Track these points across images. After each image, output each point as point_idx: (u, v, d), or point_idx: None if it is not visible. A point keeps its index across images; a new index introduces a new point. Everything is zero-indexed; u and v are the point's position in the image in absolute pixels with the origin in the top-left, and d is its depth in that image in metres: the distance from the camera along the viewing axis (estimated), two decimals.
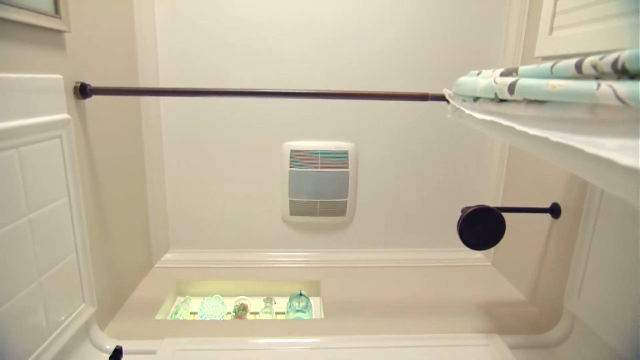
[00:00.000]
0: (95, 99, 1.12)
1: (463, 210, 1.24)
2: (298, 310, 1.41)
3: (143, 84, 1.46)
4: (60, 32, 0.98)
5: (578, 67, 0.50)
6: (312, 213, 1.68)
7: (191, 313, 1.46)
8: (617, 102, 0.42)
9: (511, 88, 0.63)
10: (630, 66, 0.42)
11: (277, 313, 1.47)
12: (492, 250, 1.71)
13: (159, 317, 1.34)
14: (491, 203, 1.69)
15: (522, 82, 0.61)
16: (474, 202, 1.70)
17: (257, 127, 1.62)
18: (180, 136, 1.62)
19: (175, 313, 1.41)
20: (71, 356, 1.02)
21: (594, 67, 0.47)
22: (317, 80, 1.57)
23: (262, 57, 1.54)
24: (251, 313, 1.47)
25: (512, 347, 1.17)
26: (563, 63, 0.53)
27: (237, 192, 1.69)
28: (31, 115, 0.87)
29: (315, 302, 1.51)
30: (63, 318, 0.98)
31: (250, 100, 1.58)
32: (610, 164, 0.42)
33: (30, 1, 0.86)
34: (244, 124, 1.61)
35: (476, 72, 0.87)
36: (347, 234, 1.77)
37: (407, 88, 1.59)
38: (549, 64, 0.56)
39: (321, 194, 1.64)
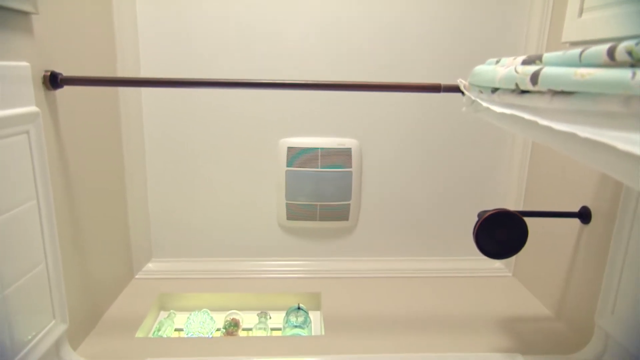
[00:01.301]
0: (67, 89, 1.12)
1: (480, 215, 1.24)
2: (296, 326, 1.41)
3: (122, 73, 1.45)
4: (26, 13, 0.97)
5: (611, 53, 0.49)
6: (312, 217, 1.68)
7: (176, 330, 1.46)
8: None
9: (534, 78, 0.62)
10: None
11: (272, 329, 1.46)
12: (513, 259, 1.71)
13: (139, 334, 1.33)
14: (512, 207, 1.68)
15: (547, 70, 0.60)
16: (492, 205, 1.69)
17: (250, 122, 1.62)
18: (164, 132, 1.62)
19: (158, 330, 1.41)
20: None
21: (629, 53, 0.46)
22: (316, 70, 1.57)
23: (255, 44, 1.54)
24: (243, 329, 1.47)
25: None
26: (593, 49, 0.52)
27: (228, 194, 1.69)
28: None
29: (315, 316, 1.51)
30: (30, 337, 0.98)
31: (243, 92, 1.58)
32: None
33: None
34: (236, 118, 1.61)
35: (495, 60, 0.87)
36: (351, 241, 1.76)
37: (418, 78, 1.59)
38: (577, 50, 0.56)
39: (321, 196, 1.64)
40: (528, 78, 0.64)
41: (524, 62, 0.71)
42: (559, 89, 0.58)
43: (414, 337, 1.31)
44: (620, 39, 0.49)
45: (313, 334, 1.43)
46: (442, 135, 1.67)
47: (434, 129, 1.66)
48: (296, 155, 1.62)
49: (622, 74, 0.46)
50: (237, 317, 1.48)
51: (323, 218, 1.68)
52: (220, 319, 1.48)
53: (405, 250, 1.78)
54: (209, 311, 1.49)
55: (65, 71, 1.09)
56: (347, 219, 1.70)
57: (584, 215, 1.29)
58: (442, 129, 1.67)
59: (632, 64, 0.47)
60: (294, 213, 1.68)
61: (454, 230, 1.76)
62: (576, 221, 1.33)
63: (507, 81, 0.72)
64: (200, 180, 1.67)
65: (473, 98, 0.92)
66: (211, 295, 1.56)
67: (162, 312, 1.55)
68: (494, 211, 1.22)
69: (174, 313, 1.51)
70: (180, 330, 1.45)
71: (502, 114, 0.76)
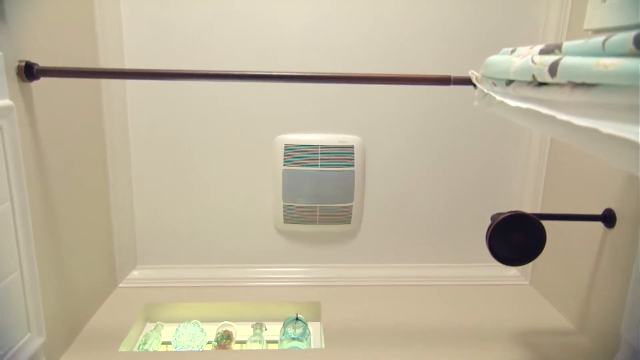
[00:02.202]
0: (44, 81, 1.11)
1: (494, 218, 1.23)
2: (294, 339, 1.41)
3: (104, 64, 1.45)
4: None
5: (637, 41, 0.49)
6: (311, 220, 1.68)
7: (163, 343, 1.46)
8: None
9: (553, 68, 0.62)
10: None
11: (268, 342, 1.46)
12: (529, 266, 1.70)
13: (123, 348, 1.33)
14: (528, 209, 1.68)
15: (567, 61, 0.60)
16: (506, 207, 1.68)
17: (244, 117, 1.62)
18: (151, 129, 1.61)
19: (144, 343, 1.41)
20: None
21: None
22: (316, 61, 1.57)
23: (250, 33, 1.54)
24: (237, 342, 1.47)
25: None
26: (618, 37, 0.52)
27: (220, 195, 1.69)
28: None
29: (314, 328, 1.51)
30: (2, 352, 0.97)
31: (236, 85, 1.58)
32: None
33: None
34: (229, 113, 1.61)
35: (510, 49, 0.87)
36: (353, 246, 1.76)
37: (425, 70, 1.58)
38: (600, 38, 0.55)
39: (322, 197, 1.64)
40: (546, 69, 0.64)
41: (542, 52, 0.71)
42: (579, 80, 0.57)
43: (422, 351, 1.30)
44: None
45: (312, 347, 1.43)
46: (452, 131, 1.67)
47: (443, 124, 1.66)
48: (294, 153, 1.61)
49: None
50: (230, 328, 1.48)
51: (323, 221, 1.68)
52: (211, 331, 1.48)
53: (412, 256, 1.78)
54: (199, 322, 1.49)
55: (42, 61, 1.09)
56: (349, 222, 1.70)
57: (608, 218, 1.29)
58: (452, 124, 1.66)
59: None
60: (292, 216, 1.68)
61: (465, 234, 1.76)
62: (599, 225, 1.32)
63: (523, 72, 0.72)
64: (190, 181, 1.67)
65: (486, 91, 0.92)
66: (202, 305, 1.56)
67: (148, 324, 1.54)
68: (508, 214, 1.22)
69: (161, 325, 1.50)
70: (168, 343, 1.45)
71: (518, 108, 0.76)
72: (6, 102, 0.97)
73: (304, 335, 1.42)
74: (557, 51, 0.66)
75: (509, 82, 0.80)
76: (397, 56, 1.58)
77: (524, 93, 0.74)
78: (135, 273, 1.71)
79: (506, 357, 1.28)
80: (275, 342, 1.46)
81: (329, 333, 1.39)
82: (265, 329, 1.49)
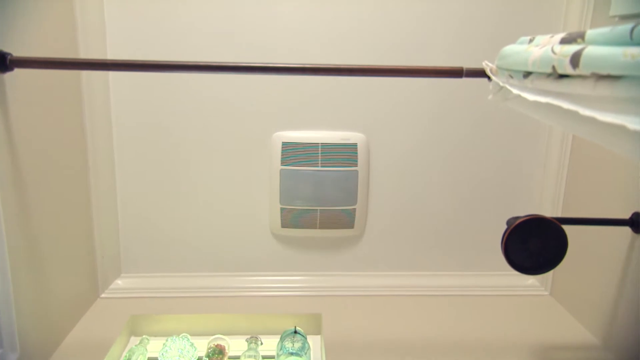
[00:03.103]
0: (19, 73, 1.11)
1: (510, 222, 1.23)
2: (292, 354, 1.39)
3: (85, 54, 1.44)
4: None
5: None
6: (311, 225, 1.68)
7: (149, 358, 1.45)
8: None
9: (575, 59, 0.62)
10: None
11: (264, 357, 1.45)
12: (549, 274, 1.70)
13: None
14: (548, 212, 1.67)
15: (591, 50, 0.59)
16: (524, 211, 1.68)
17: (238, 113, 1.62)
18: (137, 126, 1.61)
19: (128, 359, 1.40)
20: None
21: None
22: (316, 52, 1.57)
23: (245, 21, 1.54)
24: (230, 357, 1.46)
25: None
26: None
27: (212, 198, 1.69)
28: None
29: (314, 342, 1.51)
30: None
31: (230, 78, 1.57)
32: None
33: None
34: (222, 109, 1.61)
35: (528, 38, 0.86)
36: (357, 253, 1.76)
37: (435, 61, 1.58)
38: (627, 25, 0.55)
39: (322, 199, 1.64)
40: (567, 60, 0.63)
41: (563, 41, 0.70)
42: (604, 72, 0.57)
43: None
44: None
45: None
46: (464, 128, 1.67)
47: (455, 121, 1.66)
48: (292, 152, 1.61)
49: None
50: (222, 342, 1.47)
51: (324, 225, 1.68)
52: (202, 346, 1.47)
53: (421, 263, 1.78)
54: (188, 336, 1.48)
55: (16, 51, 1.08)
56: (352, 227, 1.70)
57: (636, 223, 1.28)
58: (464, 120, 1.66)
59: None
60: (290, 220, 1.68)
61: (478, 240, 1.76)
62: (626, 230, 1.31)
63: (543, 63, 0.71)
64: (179, 182, 1.67)
65: (501, 84, 0.91)
66: (192, 317, 1.56)
67: (132, 338, 1.54)
68: (526, 217, 1.21)
69: (147, 339, 1.50)
70: (155, 359, 1.45)
71: (536, 103, 0.75)
72: None
73: (303, 349, 1.42)
74: (579, 40, 0.66)
75: (527, 74, 0.79)
76: (404, 46, 1.58)
77: (543, 86, 0.74)
78: (119, 282, 1.70)
79: None
80: (271, 357, 1.45)
81: (331, 347, 1.39)
82: (261, 343, 1.48)
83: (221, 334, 1.52)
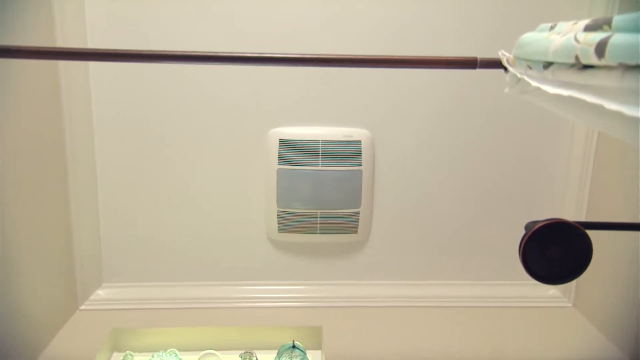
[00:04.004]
0: None
1: (529, 227, 1.22)
2: None
3: (63, 42, 1.44)
4: None
5: None
6: (311, 229, 1.68)
7: None
8: None
9: (600, 48, 0.61)
10: None
11: None
12: (572, 284, 1.70)
13: None
14: (571, 216, 1.67)
15: (618, 39, 0.59)
16: (544, 214, 1.67)
17: (232, 107, 1.62)
18: (120, 122, 1.61)
19: None
20: None
21: None
22: (316, 42, 1.57)
23: (239, 8, 1.53)
24: None
25: None
26: None
27: (203, 200, 1.69)
28: None
29: (314, 357, 1.49)
30: None
31: (223, 69, 1.56)
32: None
33: None
34: (213, 103, 1.61)
35: (548, 25, 0.86)
36: (361, 260, 1.77)
37: (447, 51, 1.58)
38: None
39: (323, 202, 1.65)
40: (592, 49, 0.63)
41: (587, 28, 0.69)
42: (633, 62, 0.56)
43: None
44: None
45: None
46: (479, 124, 1.67)
47: (468, 116, 1.66)
48: (290, 150, 1.62)
49: None
50: (214, 358, 1.47)
51: (325, 230, 1.68)
52: None
53: (430, 272, 1.78)
54: (177, 352, 1.48)
55: None
56: (355, 232, 1.71)
57: None
58: (478, 116, 1.66)
59: None
60: (288, 224, 1.68)
61: (494, 246, 1.76)
62: None
63: (565, 53, 0.71)
64: (167, 183, 1.67)
65: (519, 75, 0.91)
66: (180, 330, 1.55)
67: (115, 354, 1.53)
68: (546, 222, 1.20)
69: (130, 355, 1.50)
70: None
71: (558, 96, 0.75)
72: None
73: None
74: (606, 27, 0.65)
75: (547, 65, 0.79)
76: (413, 36, 1.58)
77: (565, 78, 0.73)
78: (100, 292, 1.71)
79: None
80: None
81: None
82: (256, 359, 1.48)
83: (213, 349, 1.52)
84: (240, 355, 1.48)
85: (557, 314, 1.67)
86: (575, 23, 0.76)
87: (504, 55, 0.99)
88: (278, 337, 1.54)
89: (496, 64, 1.02)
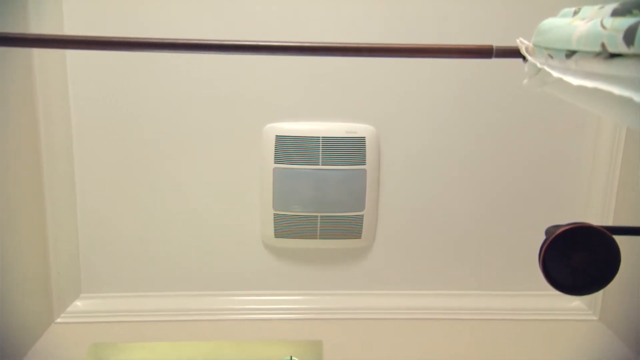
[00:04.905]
0: None
1: (550, 231, 1.22)
2: None
3: (36, 28, 1.43)
4: None
5: None
6: (310, 234, 1.68)
7: None
8: None
9: (630, 35, 0.61)
10: None
11: None
12: (598, 295, 1.69)
13: None
14: (596, 220, 1.67)
15: None
16: (566, 218, 1.67)
17: (223, 100, 1.62)
18: (102, 117, 1.61)
19: None
20: None
21: None
22: (317, 28, 1.57)
23: None
24: None
25: None
26: None
27: (192, 203, 1.69)
28: None
29: None
30: None
31: (213, 59, 1.57)
32: None
33: None
34: (203, 96, 1.61)
35: (572, 9, 0.85)
36: (364, 268, 1.77)
37: (459, 39, 1.58)
38: None
39: (324, 204, 1.65)
40: (620, 35, 0.62)
41: (615, 13, 0.69)
42: None
43: None
44: None
45: None
46: (494, 119, 1.67)
47: (482, 110, 1.66)
48: (288, 147, 1.62)
49: None
50: None
51: (326, 235, 1.68)
52: None
53: (441, 281, 1.78)
54: None
55: None
56: (359, 237, 1.70)
57: None
58: (493, 110, 1.66)
59: None
60: (286, 228, 1.68)
61: (511, 253, 1.76)
62: None
63: (590, 40, 0.70)
64: (152, 184, 1.67)
65: (539, 65, 0.91)
66: (166, 345, 1.56)
67: None
68: (569, 226, 1.20)
69: None
70: None
71: (581, 88, 0.75)
72: None
73: None
74: (636, 11, 0.65)
75: (571, 54, 0.78)
76: (421, 23, 1.58)
77: (590, 68, 0.73)
78: (78, 304, 1.70)
79: None
80: None
81: None
82: None
83: None
84: None
85: (581, 328, 1.67)
86: (601, 7, 0.75)
87: (522, 43, 0.99)
88: (274, 353, 1.55)
89: (514, 52, 1.01)
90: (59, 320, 1.65)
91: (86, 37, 1.18)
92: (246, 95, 1.62)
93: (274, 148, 1.62)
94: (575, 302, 1.74)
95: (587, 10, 0.80)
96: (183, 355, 1.56)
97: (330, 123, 1.63)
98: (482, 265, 1.77)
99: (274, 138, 1.61)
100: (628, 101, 0.63)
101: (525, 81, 0.99)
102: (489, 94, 1.65)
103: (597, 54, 0.71)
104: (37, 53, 1.47)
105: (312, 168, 1.62)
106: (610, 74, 0.68)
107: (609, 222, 1.64)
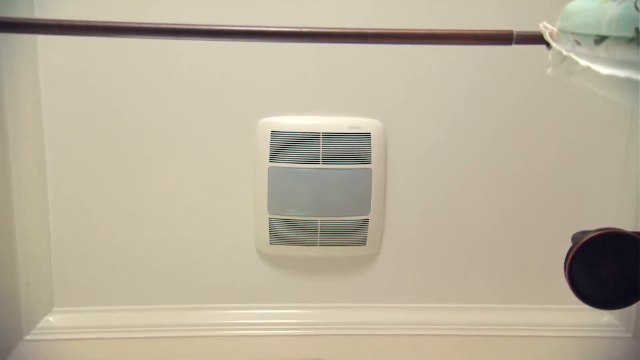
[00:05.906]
0: None
1: (576, 238, 1.22)
2: None
3: (4, 11, 1.43)
4: None
5: None
6: (310, 241, 1.68)
7: None
8: None
9: None
10: None
11: None
12: (631, 309, 1.69)
13: None
14: (629, 226, 1.65)
15: None
16: (595, 224, 1.67)
17: (213, 92, 1.62)
18: (77, 111, 1.61)
19: None
20: None
21: None
22: (316, 12, 1.57)
23: None
24: None
25: None
26: None
27: (178, 206, 1.69)
28: None
29: None
30: None
31: (202, 46, 1.57)
32: None
33: None
34: (191, 87, 1.61)
35: None
36: (369, 278, 1.77)
37: (475, 24, 1.56)
38: None
39: (324, 207, 1.65)
40: None
41: None
42: None
43: None
44: None
45: None
46: (513, 113, 1.67)
47: (501, 104, 1.66)
48: (285, 144, 1.62)
49: None
50: None
51: (327, 242, 1.68)
52: None
53: (455, 293, 1.78)
54: None
55: None
56: (364, 244, 1.71)
57: None
58: (513, 103, 1.66)
59: None
60: (282, 234, 1.68)
61: (533, 262, 1.76)
62: None
63: (622, 24, 0.70)
64: (134, 185, 1.67)
65: (565, 53, 0.90)
66: None
67: None
68: (599, 232, 1.20)
69: None
70: None
71: (612, 78, 0.74)
72: None
73: None
74: None
75: (600, 40, 0.78)
76: (433, 6, 1.58)
77: (621, 55, 0.72)
78: (50, 319, 1.70)
79: None
80: None
81: None
82: None
83: None
84: None
85: (613, 345, 1.67)
86: None
87: (546, 28, 0.99)
88: None
89: (536, 38, 1.02)
90: (28, 337, 1.65)
91: (60, 21, 1.17)
92: (239, 87, 1.62)
93: (269, 145, 1.62)
94: (606, 317, 1.74)
95: None
96: None
97: (331, 117, 1.64)
98: (501, 275, 1.77)
99: (269, 134, 1.62)
100: None
101: (549, 70, 0.99)
102: (509, 86, 1.65)
103: (630, 40, 0.70)
104: (4, 38, 1.48)
105: (311, 167, 1.62)
106: None
107: None
